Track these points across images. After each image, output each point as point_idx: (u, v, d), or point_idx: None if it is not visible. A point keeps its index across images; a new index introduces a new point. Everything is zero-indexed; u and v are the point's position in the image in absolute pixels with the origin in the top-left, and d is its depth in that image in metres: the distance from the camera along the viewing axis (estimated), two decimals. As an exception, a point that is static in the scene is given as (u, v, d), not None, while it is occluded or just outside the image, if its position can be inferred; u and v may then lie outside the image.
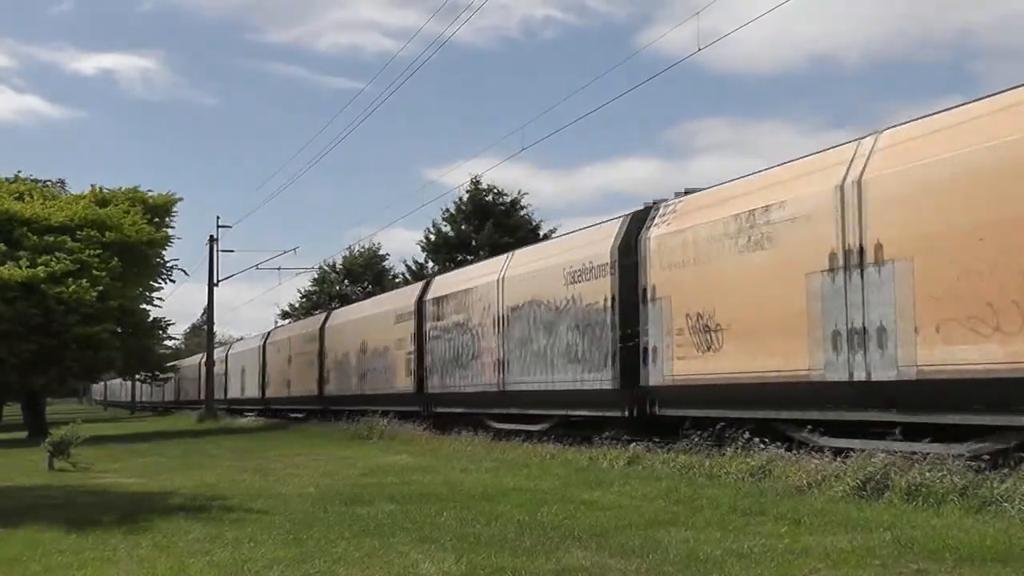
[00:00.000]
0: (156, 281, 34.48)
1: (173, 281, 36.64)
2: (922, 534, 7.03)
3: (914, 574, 5.99)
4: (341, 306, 40.47)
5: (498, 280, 19.78)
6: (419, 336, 23.79)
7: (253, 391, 43.82)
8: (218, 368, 50.64)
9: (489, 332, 19.82)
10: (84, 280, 27.63)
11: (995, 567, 6.03)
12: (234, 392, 48.82)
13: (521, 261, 19.62)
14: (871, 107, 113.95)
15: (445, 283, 23.81)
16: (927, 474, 8.90)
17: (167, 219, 33.58)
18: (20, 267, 26.98)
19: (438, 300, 23.02)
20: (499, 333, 19.32)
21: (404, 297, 26.33)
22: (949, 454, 9.47)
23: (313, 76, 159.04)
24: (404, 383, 24.72)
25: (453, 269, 28.07)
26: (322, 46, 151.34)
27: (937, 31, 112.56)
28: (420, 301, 24.17)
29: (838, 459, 10.13)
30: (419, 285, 25.79)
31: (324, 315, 35.53)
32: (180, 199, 34.14)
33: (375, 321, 27.56)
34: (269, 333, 44.11)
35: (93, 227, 29.65)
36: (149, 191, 33.49)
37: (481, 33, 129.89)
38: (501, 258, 21.06)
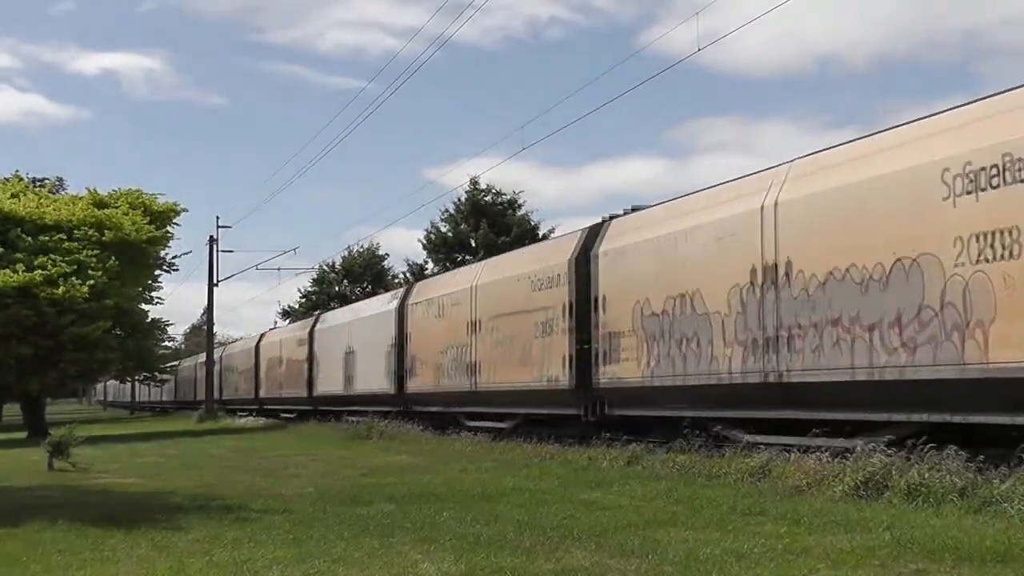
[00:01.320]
0: (155, 281, 34.50)
1: (177, 269, 35.89)
2: (921, 534, 7.03)
3: (913, 574, 6.00)
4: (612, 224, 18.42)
5: None
6: None
7: (375, 382, 27.36)
8: (293, 354, 37.13)
9: None
10: (75, 278, 27.60)
11: (994, 567, 6.03)
12: (329, 385, 32.26)
13: None
14: (875, 107, 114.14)
15: None
16: (926, 474, 8.91)
17: (168, 226, 33.52)
18: (16, 272, 27.00)
19: None
20: None
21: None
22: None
23: (316, 76, 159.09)
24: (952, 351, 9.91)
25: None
26: (325, 46, 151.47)
27: (943, 31, 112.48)
28: None
29: (837, 459, 10.14)
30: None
31: (579, 236, 17.74)
32: (185, 209, 34.06)
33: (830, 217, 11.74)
34: (410, 289, 27.19)
35: (92, 227, 29.67)
36: (156, 195, 33.38)
37: (486, 33, 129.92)
38: None
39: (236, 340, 60.86)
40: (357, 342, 29.60)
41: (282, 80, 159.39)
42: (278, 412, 39.12)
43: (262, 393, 42.42)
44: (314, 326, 35.46)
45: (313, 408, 34.15)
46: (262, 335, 46.29)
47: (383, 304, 28.46)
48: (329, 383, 32.31)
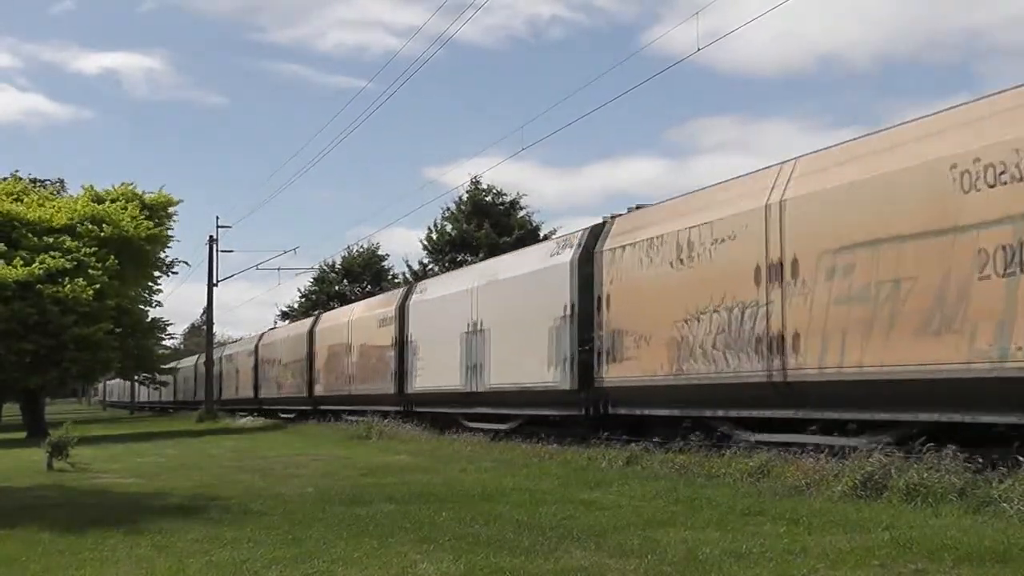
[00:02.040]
0: (155, 281, 34.55)
1: (176, 272, 35.98)
2: (920, 534, 7.03)
3: (913, 574, 6.00)
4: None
5: None
6: None
7: (531, 372, 18.31)
8: (371, 338, 28.16)
9: None
10: (81, 279, 27.66)
11: (993, 567, 6.04)
12: (436, 378, 23.25)
13: None
14: (877, 106, 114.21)
15: None
16: (925, 474, 8.91)
17: (166, 221, 33.54)
18: (16, 266, 27.04)
19: None
20: None
21: None
22: None
23: (316, 75, 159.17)
24: None
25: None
26: (326, 45, 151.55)
27: (944, 31, 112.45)
28: None
29: (836, 459, 10.16)
30: None
31: None
32: (179, 201, 34.14)
33: None
34: (600, 230, 17.21)
35: (91, 222, 29.72)
36: (146, 192, 33.51)
37: (487, 32, 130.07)
38: None
39: (275, 327, 51.18)
40: (491, 315, 20.56)
41: (282, 80, 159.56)
42: (341, 414, 30.38)
43: (318, 391, 33.76)
44: (405, 300, 26.24)
45: (404, 410, 25.20)
46: (318, 316, 38.33)
47: (544, 256, 18.95)
48: (435, 375, 23.38)
